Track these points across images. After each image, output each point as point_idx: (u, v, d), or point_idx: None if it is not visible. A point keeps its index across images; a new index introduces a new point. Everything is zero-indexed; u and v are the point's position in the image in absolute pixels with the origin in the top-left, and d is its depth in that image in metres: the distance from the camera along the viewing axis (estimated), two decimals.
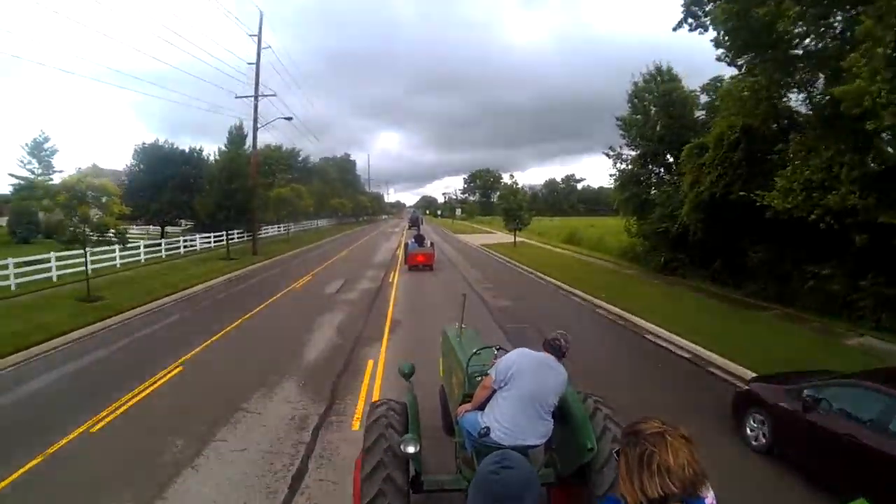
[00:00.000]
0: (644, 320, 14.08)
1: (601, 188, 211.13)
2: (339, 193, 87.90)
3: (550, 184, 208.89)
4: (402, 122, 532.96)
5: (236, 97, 35.31)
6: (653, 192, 25.25)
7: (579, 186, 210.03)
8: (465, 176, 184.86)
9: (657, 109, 25.69)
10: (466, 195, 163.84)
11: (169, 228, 42.66)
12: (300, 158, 71.04)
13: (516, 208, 37.01)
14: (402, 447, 3.99)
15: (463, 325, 6.76)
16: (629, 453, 1.68)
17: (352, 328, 13.33)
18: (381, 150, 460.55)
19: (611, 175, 27.84)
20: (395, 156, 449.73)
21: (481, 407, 4.45)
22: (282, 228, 51.93)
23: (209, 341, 12.10)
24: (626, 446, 1.72)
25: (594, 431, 4.30)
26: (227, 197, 29.86)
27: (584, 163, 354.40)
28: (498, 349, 5.35)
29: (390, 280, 22.00)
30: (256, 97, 35.13)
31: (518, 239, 40.92)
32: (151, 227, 44.23)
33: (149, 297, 17.51)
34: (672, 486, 1.58)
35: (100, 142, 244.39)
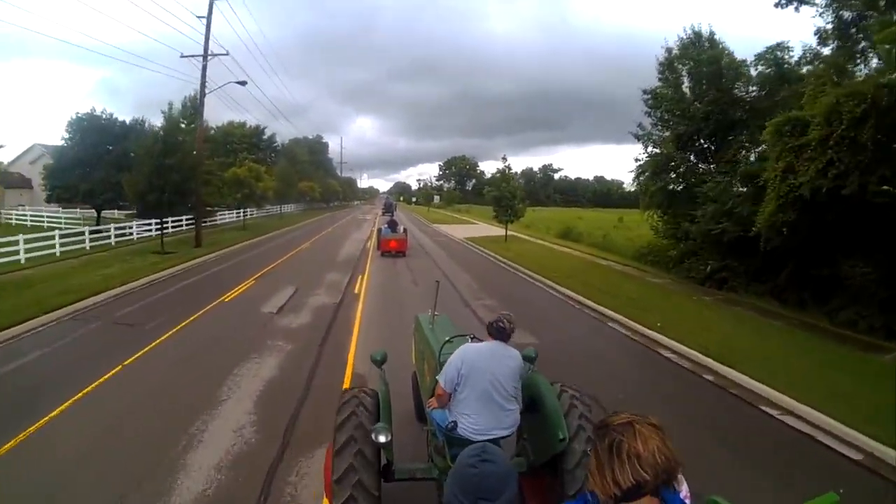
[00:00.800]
0: (750, 378, 8.94)
1: (578, 178, 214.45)
2: (310, 176, 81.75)
3: (527, 173, 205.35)
4: (377, 107, 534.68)
5: (181, 56, 29.38)
6: (700, 182, 20.22)
7: (556, 177, 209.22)
8: (441, 163, 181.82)
9: (698, 82, 20.80)
10: (442, 182, 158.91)
11: (112, 214, 36.65)
12: (265, 137, 64.48)
13: (509, 197, 31.71)
14: (373, 436, 3.85)
15: (436, 313, 6.60)
16: (599, 446, 1.65)
17: (283, 401, 7.65)
18: (355, 135, 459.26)
19: (637, 160, 22.83)
20: (369, 141, 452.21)
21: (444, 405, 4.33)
22: (242, 214, 46.09)
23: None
24: (596, 439, 1.68)
25: (568, 428, 4.13)
26: (160, 175, 24.01)
27: (560, 154, 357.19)
28: (472, 338, 5.11)
29: (356, 290, 16.51)
30: (206, 57, 29.29)
31: (502, 232, 35.88)
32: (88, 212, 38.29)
33: (20, 316, 11.97)
34: (644, 472, 1.55)
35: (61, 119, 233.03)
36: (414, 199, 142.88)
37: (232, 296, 15.24)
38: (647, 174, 22.29)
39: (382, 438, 3.85)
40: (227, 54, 29.41)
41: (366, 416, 4.18)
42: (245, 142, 60.33)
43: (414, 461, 4.91)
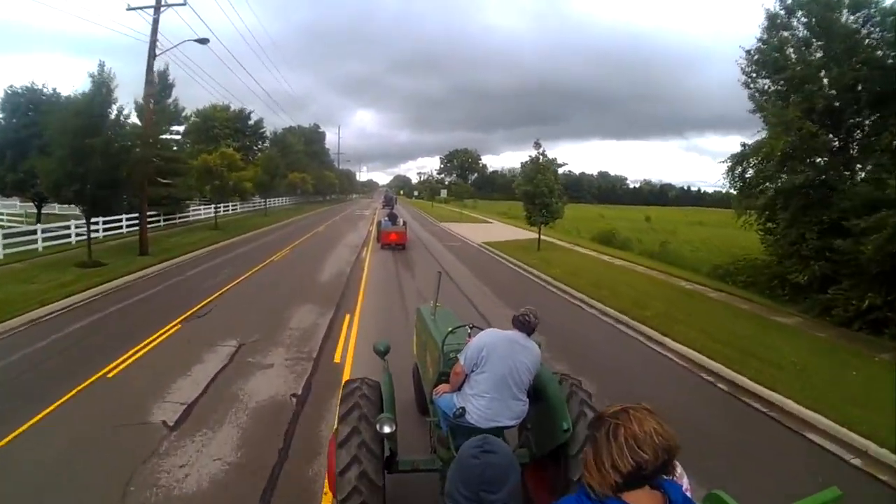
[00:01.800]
0: None
1: (582, 174, 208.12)
2: (304, 167, 74.96)
3: (531, 167, 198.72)
4: (376, 100, 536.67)
5: (128, 9, 22.71)
6: (841, 178, 13.73)
7: (560, 171, 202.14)
8: (442, 156, 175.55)
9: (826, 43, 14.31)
10: (443, 175, 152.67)
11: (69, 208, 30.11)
12: (251, 122, 57.56)
13: (545, 193, 25.01)
14: (377, 427, 3.88)
15: (438, 304, 6.60)
16: (596, 436, 1.65)
17: None
18: (355, 128, 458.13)
19: (744, 145, 16.31)
20: (369, 134, 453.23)
21: (457, 388, 4.39)
22: (215, 210, 39.46)
23: None
24: (592, 432, 1.69)
25: (570, 414, 4.18)
26: (79, 160, 17.39)
27: (559, 148, 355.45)
28: (472, 327, 5.24)
29: (337, 353, 9.73)
30: (158, 9, 22.66)
31: (527, 234, 29.30)
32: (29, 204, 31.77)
33: None
34: (642, 453, 1.55)
35: None
36: (416, 193, 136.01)
37: (119, 367, 8.59)
38: (758, 164, 15.75)
39: (387, 429, 3.85)
40: (184, 4, 22.65)
41: (369, 407, 4.14)
42: (227, 126, 53.44)
43: (417, 453, 4.82)
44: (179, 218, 37.13)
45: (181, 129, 39.62)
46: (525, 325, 4.27)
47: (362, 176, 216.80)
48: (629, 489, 1.59)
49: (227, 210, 46.52)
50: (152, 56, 22.52)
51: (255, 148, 56.65)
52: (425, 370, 5.90)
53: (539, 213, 25.38)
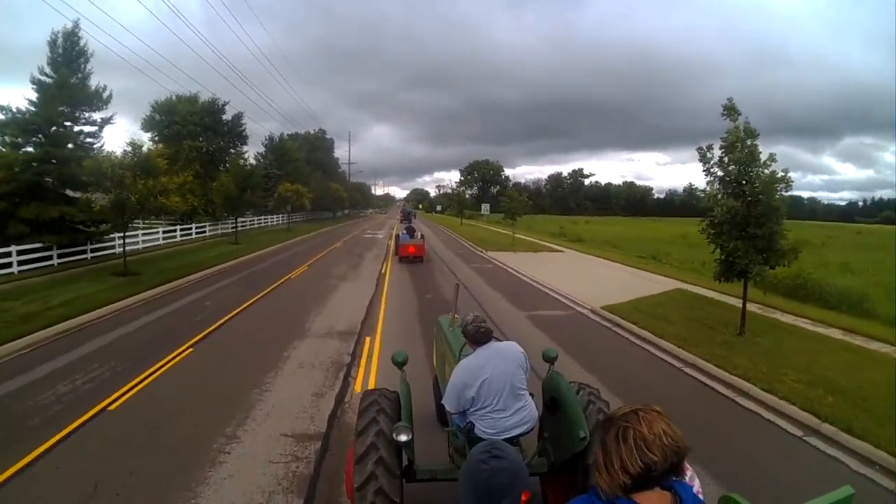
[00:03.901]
0: None
1: (609, 184, 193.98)
2: (304, 178, 61.47)
3: (555, 179, 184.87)
4: (392, 116, 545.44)
5: None
6: None
7: (586, 182, 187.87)
8: (462, 168, 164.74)
9: None
10: (463, 188, 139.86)
11: None
12: (227, 117, 43.93)
13: (767, 212, 10.77)
14: (394, 435, 3.91)
15: (456, 315, 6.50)
16: (605, 438, 1.66)
17: None
18: (371, 143, 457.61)
19: None
20: (385, 148, 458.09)
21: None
22: (139, 237, 26.12)
23: None
24: (602, 434, 1.69)
25: (588, 423, 4.12)
26: None
27: (572, 161, 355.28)
28: (495, 339, 4.71)
29: None
30: None
31: (661, 282, 15.27)
32: None
33: None
34: (652, 454, 1.55)
35: None
36: (438, 208, 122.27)
37: None
38: None
39: (404, 437, 3.87)
40: None
41: (386, 422, 4.11)
42: (193, 122, 39.96)
43: (435, 462, 4.74)
44: (95, 251, 23.77)
45: (99, 116, 26.22)
46: (486, 335, 4.23)
47: (379, 190, 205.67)
48: (638, 490, 1.59)
49: (174, 236, 32.99)
50: None
51: (232, 151, 43.09)
52: (444, 380, 5.84)
53: (753, 256, 11.13)
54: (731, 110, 11.83)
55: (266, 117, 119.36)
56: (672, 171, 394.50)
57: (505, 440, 3.91)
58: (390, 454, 3.94)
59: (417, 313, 13.65)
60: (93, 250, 23.94)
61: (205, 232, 38.23)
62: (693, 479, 1.89)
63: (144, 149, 20.87)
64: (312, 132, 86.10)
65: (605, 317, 14.16)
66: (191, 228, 36.14)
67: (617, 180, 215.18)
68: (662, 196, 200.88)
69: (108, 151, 21.51)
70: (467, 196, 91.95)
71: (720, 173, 12.07)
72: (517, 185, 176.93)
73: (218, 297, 15.97)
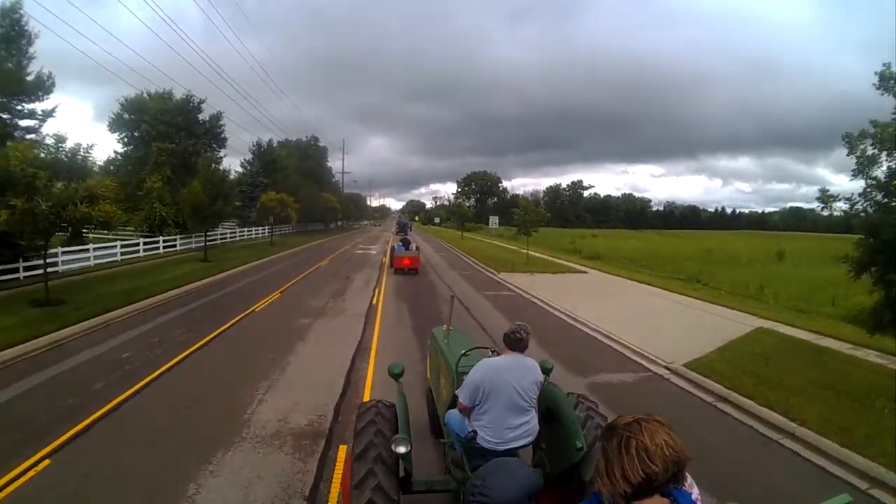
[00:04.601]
0: None
1: (608, 196, 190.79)
2: (293, 187, 57.05)
3: (553, 191, 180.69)
4: (388, 128, 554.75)
5: None
6: None
7: (585, 194, 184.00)
8: (459, 179, 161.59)
9: None
10: (461, 200, 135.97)
11: None
12: (203, 118, 39.32)
13: None
14: (392, 447, 3.85)
15: (451, 327, 6.56)
16: (607, 447, 1.67)
17: None
18: (368, 155, 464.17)
19: None
20: (381, 160, 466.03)
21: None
22: (58, 257, 21.78)
23: None
24: (604, 442, 1.70)
25: (585, 438, 4.09)
26: None
27: (568, 173, 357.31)
28: (492, 352, 5.11)
29: None
30: None
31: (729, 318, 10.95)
32: None
33: None
34: (653, 465, 1.56)
35: None
36: (436, 220, 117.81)
37: None
38: None
39: (402, 449, 3.81)
40: None
41: (384, 424, 4.12)
42: (164, 122, 35.45)
43: (431, 474, 4.84)
44: (32, 269, 19.39)
45: (41, 108, 21.90)
46: (518, 343, 4.21)
47: (374, 201, 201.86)
48: (638, 498, 1.60)
49: (136, 252, 28.42)
50: None
51: (209, 154, 38.50)
52: (439, 392, 5.89)
53: None
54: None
55: (263, 129, 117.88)
56: (667, 182, 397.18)
57: (505, 451, 4.05)
58: (388, 453, 3.84)
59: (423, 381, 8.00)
60: (29, 268, 19.45)
61: (175, 246, 33.66)
62: (692, 486, 1.81)
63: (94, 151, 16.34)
64: (305, 139, 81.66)
65: (696, 382, 9.69)
66: (157, 242, 31.56)
67: (612, 192, 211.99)
68: (661, 208, 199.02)
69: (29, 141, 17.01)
70: (457, 208, 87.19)
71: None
72: (516, 195, 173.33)
73: (146, 343, 11.44)
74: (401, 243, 26.86)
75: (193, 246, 33.81)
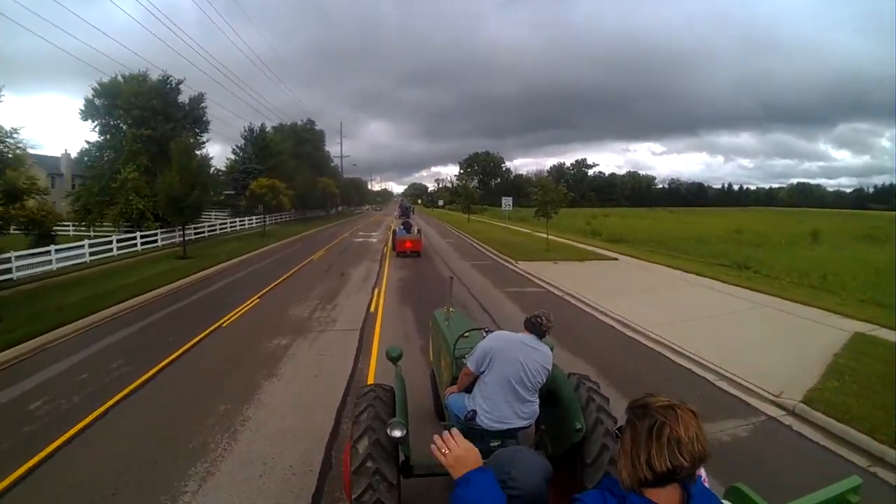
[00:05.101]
0: None
1: (613, 174, 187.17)
2: (288, 173, 53.99)
3: (557, 170, 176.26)
4: (388, 113, 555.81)
5: None
6: None
7: (590, 173, 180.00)
8: (461, 161, 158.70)
9: None
10: (463, 181, 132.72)
11: None
12: (183, 100, 35.94)
13: None
14: (388, 431, 3.70)
15: (451, 309, 6.56)
16: (637, 426, 1.59)
17: None
18: (369, 140, 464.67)
19: None
20: (382, 145, 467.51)
21: (468, 389, 4.33)
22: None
23: None
24: (634, 419, 1.62)
25: (587, 420, 4.05)
26: None
27: (570, 153, 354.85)
28: (487, 331, 4.97)
29: None
30: None
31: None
32: None
33: None
34: (682, 458, 1.52)
35: None
36: (440, 203, 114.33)
37: None
38: None
39: (397, 433, 3.69)
40: None
41: (382, 409, 4.02)
42: (139, 106, 32.18)
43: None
44: None
45: None
46: (536, 328, 4.21)
47: (376, 185, 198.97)
48: (656, 486, 1.56)
49: (110, 250, 25.42)
50: None
51: (192, 140, 35.20)
52: (440, 374, 5.85)
53: None
54: None
55: (260, 118, 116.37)
56: (668, 159, 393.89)
57: (504, 431, 4.04)
58: (387, 437, 3.72)
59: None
60: None
61: (156, 242, 30.65)
62: (700, 469, 1.65)
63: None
64: (300, 123, 78.16)
65: (832, 431, 6.67)
66: (134, 239, 28.54)
67: (615, 170, 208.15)
68: (665, 185, 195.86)
69: None
70: (463, 189, 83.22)
71: None
72: (520, 176, 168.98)
73: (68, 385, 8.47)
74: (402, 227, 27.06)
75: (177, 241, 30.77)
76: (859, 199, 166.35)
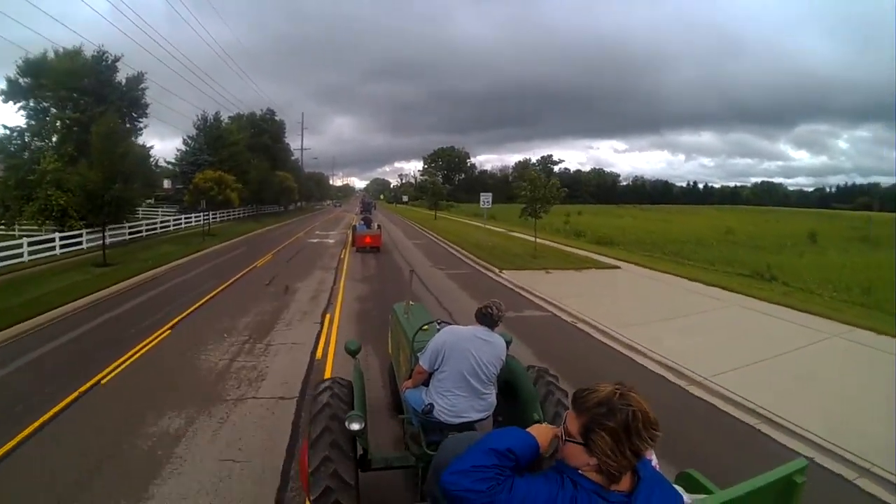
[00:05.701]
0: None
1: (578, 171, 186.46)
2: (243, 166, 49.70)
3: (523, 165, 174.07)
4: (352, 107, 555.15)
5: None
6: None
7: (556, 169, 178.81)
8: (425, 156, 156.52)
9: None
10: (426, 178, 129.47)
11: None
12: (120, 79, 31.39)
13: None
14: (346, 424, 3.73)
15: (411, 302, 6.51)
16: (610, 425, 1.55)
17: None
18: (331, 134, 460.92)
19: None
20: (345, 140, 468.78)
21: (424, 383, 4.18)
22: None
23: None
24: (602, 420, 1.56)
25: (545, 413, 4.16)
26: None
27: (534, 149, 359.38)
28: (440, 323, 5.12)
29: None
30: None
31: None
32: None
33: None
34: (657, 431, 1.55)
35: None
36: (405, 199, 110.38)
37: None
38: None
39: (356, 426, 3.71)
40: None
41: (340, 407, 3.98)
42: (67, 86, 27.65)
43: (392, 450, 4.81)
44: None
45: None
46: (487, 318, 4.08)
47: (337, 181, 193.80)
48: (628, 470, 1.58)
49: (20, 256, 21.06)
50: None
51: (125, 122, 30.68)
52: (398, 367, 5.83)
53: None
54: None
55: (222, 111, 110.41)
56: (630, 157, 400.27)
57: (462, 424, 3.93)
58: (344, 437, 3.74)
59: None
60: None
61: (80, 244, 26.24)
62: (650, 452, 1.76)
63: None
64: (259, 113, 73.33)
65: None
66: (53, 241, 24.17)
67: (578, 167, 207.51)
68: (630, 183, 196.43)
69: None
70: (431, 185, 78.67)
71: None
72: (485, 172, 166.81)
73: None
74: (362, 222, 27.84)
75: (109, 242, 26.33)
76: (823, 199, 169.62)
